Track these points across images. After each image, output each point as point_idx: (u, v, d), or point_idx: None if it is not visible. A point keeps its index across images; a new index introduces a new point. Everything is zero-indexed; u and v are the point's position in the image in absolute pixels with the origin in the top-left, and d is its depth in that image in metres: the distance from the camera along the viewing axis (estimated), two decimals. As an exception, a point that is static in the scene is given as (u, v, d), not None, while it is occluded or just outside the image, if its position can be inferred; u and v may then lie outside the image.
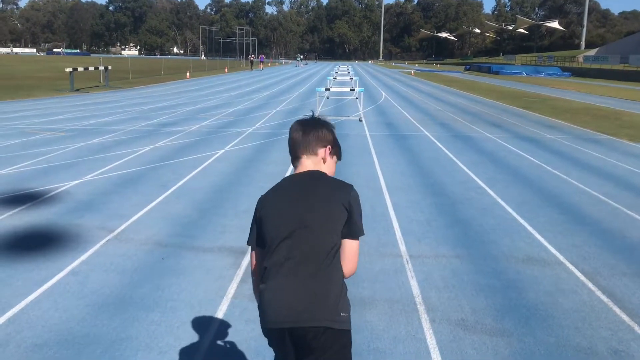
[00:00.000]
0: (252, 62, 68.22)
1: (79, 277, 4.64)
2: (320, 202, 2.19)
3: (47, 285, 4.47)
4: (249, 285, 4.45)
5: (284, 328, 2.06)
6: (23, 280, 4.56)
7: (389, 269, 4.93)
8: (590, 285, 4.65)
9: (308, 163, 2.33)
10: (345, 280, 2.20)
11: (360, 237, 2.24)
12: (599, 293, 4.50)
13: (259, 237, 2.24)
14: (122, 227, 5.96)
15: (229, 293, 4.39)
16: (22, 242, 5.50)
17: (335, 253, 2.14)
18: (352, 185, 2.29)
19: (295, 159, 2.36)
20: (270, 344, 2.20)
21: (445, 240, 5.70)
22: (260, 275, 2.19)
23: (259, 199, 2.31)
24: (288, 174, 8.58)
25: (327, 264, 2.11)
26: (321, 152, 2.34)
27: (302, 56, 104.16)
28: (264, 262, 2.16)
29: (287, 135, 2.40)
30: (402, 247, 5.47)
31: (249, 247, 2.31)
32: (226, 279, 4.65)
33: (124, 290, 4.41)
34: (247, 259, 5.05)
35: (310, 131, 2.33)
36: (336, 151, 2.43)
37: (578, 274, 4.88)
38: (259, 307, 2.14)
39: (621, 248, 5.59)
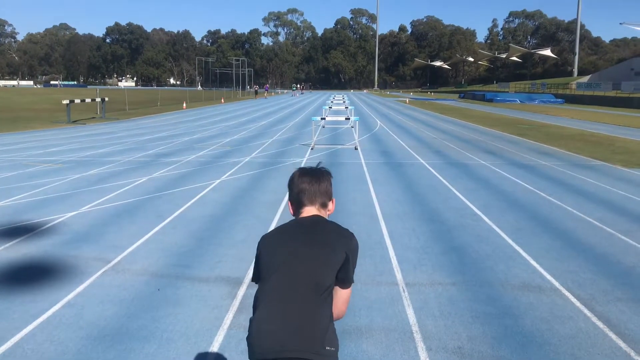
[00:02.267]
0: (256, 91, 73.38)
1: (75, 309, 4.63)
2: (320, 242, 2.26)
3: (42, 318, 4.45)
4: (245, 316, 4.45)
5: (268, 359, 2.06)
6: (19, 313, 4.54)
7: (385, 297, 4.93)
8: (586, 311, 4.66)
9: (312, 210, 2.41)
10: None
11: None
12: (594, 319, 4.51)
13: (257, 273, 2.30)
14: (119, 258, 5.96)
15: (225, 324, 4.38)
16: (19, 274, 5.49)
17: (327, 292, 2.19)
18: (352, 233, 2.38)
19: (299, 206, 2.43)
20: None
21: (441, 268, 5.72)
22: (254, 302, 2.23)
23: (262, 237, 2.39)
24: (283, 203, 8.62)
25: (317, 300, 2.14)
26: (329, 204, 2.47)
27: (297, 86, 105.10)
28: (257, 293, 2.21)
29: (288, 182, 2.49)
30: (399, 275, 5.47)
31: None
32: (222, 309, 4.65)
33: (120, 321, 4.40)
34: (243, 289, 5.06)
35: (316, 183, 2.43)
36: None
37: (574, 300, 4.90)
38: (247, 338, 2.14)
39: (616, 274, 5.60)
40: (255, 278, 2.33)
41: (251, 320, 2.16)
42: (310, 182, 2.42)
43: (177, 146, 16.40)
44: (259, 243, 2.35)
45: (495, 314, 4.58)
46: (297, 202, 2.43)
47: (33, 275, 5.43)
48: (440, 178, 11.13)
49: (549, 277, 5.46)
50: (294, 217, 2.45)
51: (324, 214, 2.44)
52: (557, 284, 5.28)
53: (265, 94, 74.73)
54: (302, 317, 2.10)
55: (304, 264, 2.18)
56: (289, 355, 2.04)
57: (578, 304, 4.82)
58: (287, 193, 2.50)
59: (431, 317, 4.52)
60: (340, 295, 2.29)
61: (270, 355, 2.05)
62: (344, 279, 2.26)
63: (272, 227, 7.25)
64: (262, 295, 2.17)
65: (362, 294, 4.98)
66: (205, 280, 5.33)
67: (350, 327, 4.28)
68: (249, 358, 2.15)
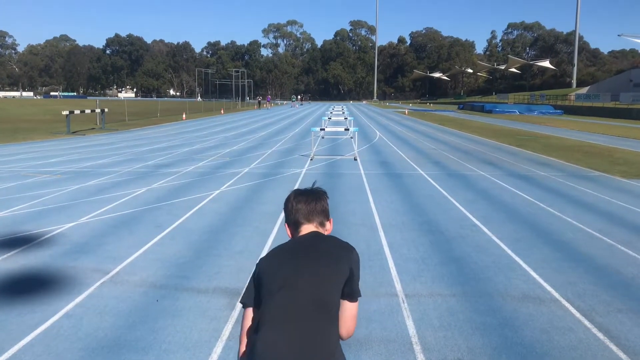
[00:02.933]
0: (259, 102, 77.57)
1: (73, 320, 4.61)
2: (323, 258, 2.20)
3: (40, 329, 4.43)
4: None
5: None
6: (17, 324, 4.53)
7: (385, 308, 4.92)
8: (586, 322, 4.65)
9: (310, 227, 2.37)
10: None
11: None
12: (595, 330, 4.49)
13: (257, 295, 2.20)
14: (117, 269, 5.94)
15: (224, 335, 4.37)
16: (17, 285, 5.47)
17: (334, 309, 2.14)
18: (353, 247, 2.34)
19: (297, 226, 2.38)
20: None
21: (440, 278, 5.70)
22: (253, 331, 2.14)
23: (260, 259, 2.31)
24: (282, 214, 8.61)
25: (325, 319, 2.09)
26: (327, 224, 2.43)
27: (297, 97, 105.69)
28: (258, 314, 2.13)
29: (284, 205, 2.46)
30: (398, 286, 5.46)
31: (242, 307, 2.28)
32: (221, 320, 4.63)
33: (118, 332, 4.38)
34: (242, 300, 5.05)
35: (312, 202, 2.40)
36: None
37: (574, 311, 4.88)
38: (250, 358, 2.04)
39: (616, 284, 5.59)
40: (251, 301, 2.23)
41: (254, 340, 2.05)
42: (307, 201, 2.39)
43: (177, 157, 16.41)
44: (258, 266, 2.26)
45: (495, 325, 4.56)
46: (294, 223, 2.39)
47: (31, 286, 5.42)
48: (440, 189, 11.13)
49: (548, 288, 5.45)
50: (294, 235, 2.40)
51: (322, 231, 2.40)
52: (557, 294, 5.26)
53: (267, 105, 78.42)
54: (311, 337, 2.03)
55: (308, 281, 2.11)
56: None
57: (578, 315, 4.80)
58: (284, 215, 2.46)
59: (431, 328, 4.51)
60: (348, 310, 2.23)
61: None
62: (350, 293, 2.22)
63: (272, 238, 7.24)
64: (266, 315, 2.07)
65: (361, 305, 4.92)
66: (204, 291, 5.31)
67: (349, 339, 4.26)
68: None
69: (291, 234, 2.42)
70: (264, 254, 6.45)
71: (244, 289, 2.28)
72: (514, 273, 5.90)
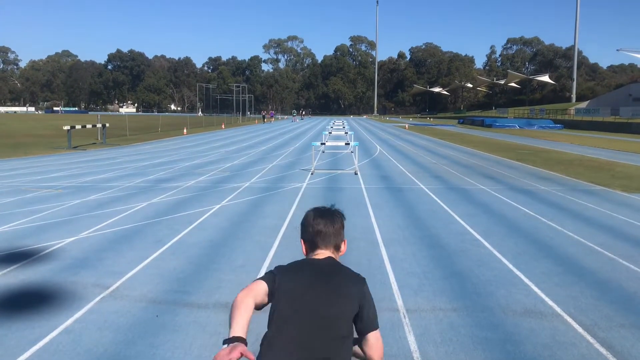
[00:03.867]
0: (264, 116, 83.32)
1: (73, 336, 4.59)
2: (335, 294, 2.26)
3: (40, 344, 4.41)
4: (245, 342, 4.41)
5: None
6: (16, 340, 4.50)
7: (386, 323, 4.89)
8: (589, 337, 4.62)
9: (326, 252, 2.46)
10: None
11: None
12: (597, 345, 4.46)
13: (271, 300, 2.29)
14: (117, 283, 5.92)
15: (224, 350, 4.33)
16: (16, 300, 5.45)
17: (345, 341, 2.23)
18: (364, 279, 2.42)
19: (314, 248, 2.48)
20: None
21: (442, 293, 5.68)
22: (262, 341, 2.24)
23: (278, 268, 2.39)
24: (283, 228, 8.61)
25: (336, 348, 2.18)
26: (342, 245, 2.53)
27: (297, 111, 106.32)
28: (268, 335, 2.22)
29: (302, 222, 2.56)
30: (399, 301, 5.43)
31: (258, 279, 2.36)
32: (221, 336, 4.60)
33: (117, 348, 4.36)
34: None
35: (330, 225, 2.48)
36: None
37: (576, 326, 4.85)
38: None
39: (618, 299, 5.56)
40: (265, 279, 2.32)
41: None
42: (326, 224, 2.46)
43: (177, 172, 16.42)
44: (276, 273, 2.35)
45: (496, 340, 4.53)
46: (311, 244, 2.48)
47: (31, 302, 5.39)
48: (441, 203, 11.12)
49: (550, 302, 5.42)
50: (305, 257, 2.51)
51: (336, 255, 2.48)
52: (558, 309, 5.24)
53: (272, 119, 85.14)
54: None
55: (322, 313, 2.20)
56: None
57: (580, 330, 4.77)
58: (300, 230, 2.54)
59: (432, 343, 4.48)
60: (375, 340, 2.34)
61: None
62: (370, 325, 2.32)
63: (272, 252, 7.23)
64: (278, 341, 2.18)
65: (362, 320, 4.93)
66: (204, 306, 5.29)
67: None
68: None
69: (306, 252, 2.52)
70: (264, 268, 6.44)
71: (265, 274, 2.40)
72: (515, 287, 5.87)
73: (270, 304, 2.29)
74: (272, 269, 2.37)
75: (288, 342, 2.14)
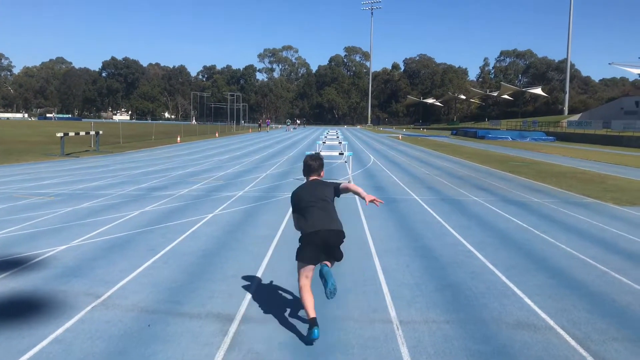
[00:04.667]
0: (260, 125, 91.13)
1: (63, 345, 4.54)
2: (321, 189, 5.07)
3: (29, 354, 4.36)
4: (237, 353, 4.41)
5: (317, 230, 4.77)
6: (5, 350, 4.45)
7: (379, 335, 4.88)
8: (582, 350, 4.62)
9: (314, 176, 5.26)
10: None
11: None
12: (590, 359, 4.46)
13: (296, 206, 5.03)
14: (109, 292, 5.88)
15: (216, 361, 4.30)
16: (6, 309, 5.39)
17: (332, 203, 5.04)
18: (333, 182, 5.25)
19: (308, 174, 5.29)
20: (305, 243, 4.87)
21: (435, 305, 5.67)
22: (298, 219, 5.00)
23: (294, 192, 5.14)
24: (277, 238, 8.61)
25: (330, 208, 4.98)
26: (321, 172, 5.33)
27: (291, 121, 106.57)
28: (301, 217, 4.95)
29: (304, 161, 5.39)
30: (392, 313, 5.42)
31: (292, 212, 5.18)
32: (213, 346, 4.57)
33: (109, 358, 4.32)
34: (235, 325, 5.00)
35: (316, 162, 5.30)
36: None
37: (569, 339, 4.85)
38: (302, 227, 4.91)
39: (611, 312, 5.57)
40: (295, 209, 5.05)
41: (302, 220, 4.92)
42: (313, 161, 5.28)
43: (170, 180, 16.37)
44: (293, 194, 5.12)
45: (489, 353, 4.52)
46: (307, 173, 5.31)
47: (21, 310, 5.34)
48: (434, 214, 11.14)
49: (543, 315, 5.42)
50: (305, 180, 5.31)
51: (319, 177, 5.29)
52: (551, 322, 5.24)
53: (268, 128, 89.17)
54: (329, 215, 4.92)
55: (318, 194, 4.99)
56: (332, 228, 4.85)
57: (573, 343, 4.77)
58: (302, 168, 5.36)
59: (425, 355, 4.46)
60: (343, 186, 5.14)
61: (318, 228, 4.79)
62: (337, 191, 5.13)
63: (265, 262, 7.22)
64: (305, 214, 4.91)
65: (355, 331, 4.92)
66: (196, 316, 5.26)
67: None
68: (304, 233, 4.87)
69: (305, 176, 5.33)
70: (257, 277, 6.43)
71: (292, 204, 5.13)
72: (508, 300, 5.88)
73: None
74: (291, 195, 5.18)
75: (309, 204, 4.93)
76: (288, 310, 5.48)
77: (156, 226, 9.45)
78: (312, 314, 4.63)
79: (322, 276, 4.80)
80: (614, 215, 11.47)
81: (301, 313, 5.23)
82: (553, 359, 4.43)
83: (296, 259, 4.90)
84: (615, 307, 5.73)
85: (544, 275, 6.87)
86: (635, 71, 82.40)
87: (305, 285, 4.78)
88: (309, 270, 4.84)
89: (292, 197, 5.07)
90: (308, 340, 4.62)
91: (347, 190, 5.06)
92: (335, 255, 4.93)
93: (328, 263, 4.92)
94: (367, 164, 23.80)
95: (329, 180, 5.22)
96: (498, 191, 15.04)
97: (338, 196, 5.04)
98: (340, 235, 4.88)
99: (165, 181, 16.02)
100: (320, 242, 4.77)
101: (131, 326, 4.97)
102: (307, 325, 4.76)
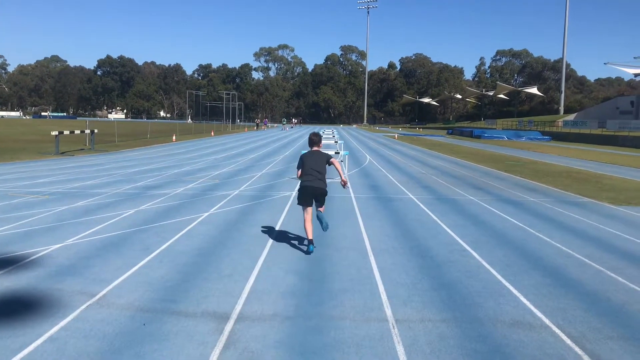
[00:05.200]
0: (257, 124, 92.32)
1: (58, 344, 4.52)
2: (319, 158, 7.75)
3: (23, 353, 4.34)
4: (232, 352, 4.40)
5: (306, 186, 7.56)
6: (-1, 348, 4.43)
7: (375, 334, 4.87)
8: (577, 349, 4.62)
9: (316, 148, 7.94)
10: None
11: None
12: (586, 357, 4.47)
13: (300, 164, 7.75)
14: (104, 291, 5.86)
15: (212, 360, 4.29)
16: (0, 308, 5.36)
17: (325, 171, 7.73)
18: (329, 154, 7.92)
19: (311, 145, 7.97)
20: (301, 196, 7.62)
21: (431, 304, 5.67)
22: (300, 174, 7.74)
23: (302, 155, 7.83)
24: (272, 237, 8.60)
25: (323, 173, 7.69)
26: (320, 145, 8.03)
27: (287, 120, 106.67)
28: (302, 172, 7.69)
29: (308, 137, 8.10)
30: (388, 311, 5.42)
31: (297, 168, 7.97)
32: (208, 345, 4.56)
33: (103, 357, 4.30)
34: (230, 324, 4.99)
35: (317, 137, 8.04)
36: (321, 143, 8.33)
37: (564, 337, 4.86)
38: (300, 179, 7.73)
39: (606, 311, 5.58)
40: (300, 166, 7.73)
41: (302, 180, 7.65)
42: (315, 136, 8.02)
43: (166, 179, 16.33)
44: (301, 157, 7.80)
45: (485, 352, 4.52)
46: (310, 144, 7.97)
47: (15, 309, 5.32)
48: (430, 213, 11.14)
49: (539, 314, 5.43)
50: (310, 149, 7.97)
51: (319, 148, 7.98)
52: (547, 321, 5.24)
53: (264, 127, 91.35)
54: (321, 179, 7.62)
55: (316, 160, 7.68)
56: (315, 185, 7.55)
57: (569, 341, 4.78)
58: (308, 142, 8.02)
59: (421, 354, 4.46)
60: (334, 164, 7.65)
61: (311, 184, 7.54)
62: (328, 161, 7.74)
63: (261, 261, 7.21)
64: (304, 172, 7.65)
65: (351, 330, 4.91)
66: (191, 315, 5.24)
67: (339, 365, 4.21)
68: (300, 187, 7.67)
69: (310, 148, 7.94)
70: (253, 277, 6.42)
71: (298, 162, 7.95)
72: (504, 299, 5.88)
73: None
74: (301, 154, 7.89)
75: (308, 170, 7.60)
76: (284, 308, 5.46)
77: (151, 225, 9.43)
78: (310, 237, 7.59)
79: (319, 218, 7.64)
80: (609, 215, 11.50)
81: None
82: (548, 358, 4.44)
83: (297, 204, 7.77)
84: (610, 306, 5.74)
85: (539, 274, 6.88)
86: (631, 71, 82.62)
87: (307, 219, 7.61)
88: (308, 211, 7.61)
89: (300, 158, 7.81)
90: (307, 252, 7.59)
91: (333, 164, 7.62)
92: (320, 202, 7.70)
93: (321, 209, 7.74)
94: (363, 163, 23.81)
95: (325, 153, 7.89)
96: (494, 190, 15.06)
97: (329, 165, 7.74)
98: (322, 192, 7.60)
99: (160, 180, 15.98)
100: (308, 193, 7.56)
101: (126, 325, 4.95)
102: (302, 326, 4.83)
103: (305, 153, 7.85)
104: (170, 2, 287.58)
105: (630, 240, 9.01)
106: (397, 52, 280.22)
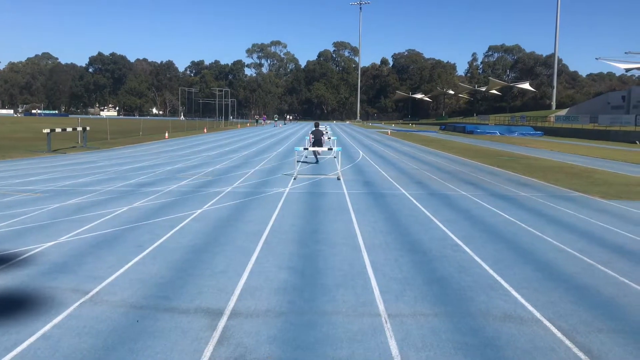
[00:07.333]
0: (257, 120, 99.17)
1: (51, 342, 4.53)
2: (318, 133, 20.90)
3: (16, 351, 4.34)
4: (226, 348, 4.42)
5: (315, 145, 20.49)
6: (-8, 346, 4.42)
7: (368, 328, 4.90)
8: (568, 342, 4.67)
9: (316, 127, 21.26)
10: None
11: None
12: (576, 350, 4.51)
13: (311, 135, 21.00)
14: (97, 289, 5.86)
15: (205, 356, 4.31)
16: (-7, 305, 5.36)
17: (322, 139, 20.92)
18: (323, 131, 22.23)
19: (315, 127, 21.34)
20: (312, 146, 20.13)
21: (423, 298, 5.71)
22: (310, 141, 21.27)
23: (311, 131, 21.13)
24: (266, 233, 8.62)
25: (320, 140, 20.77)
26: (320, 126, 21.91)
27: (279, 116, 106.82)
28: (312, 138, 21.00)
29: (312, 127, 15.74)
30: (381, 306, 5.45)
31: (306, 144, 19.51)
32: (202, 342, 4.58)
33: (97, 354, 4.31)
34: (223, 321, 5.01)
35: (318, 123, 22.36)
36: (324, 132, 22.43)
37: (555, 331, 4.91)
38: (310, 143, 21.07)
39: (597, 304, 5.64)
40: (310, 136, 21.15)
41: (311, 144, 20.67)
42: (316, 126, 21.52)
43: (159, 176, 16.31)
44: (311, 132, 21.01)
45: (477, 345, 4.57)
46: (315, 126, 21.43)
47: (8, 307, 5.31)
48: (422, 208, 11.19)
49: (530, 307, 5.48)
50: (314, 128, 20.99)
51: (319, 128, 21.38)
52: (538, 314, 5.29)
53: (263, 123, 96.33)
54: (319, 144, 20.40)
55: (316, 134, 20.69)
56: (318, 145, 20.04)
57: (559, 335, 4.83)
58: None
59: (414, 348, 4.50)
60: (324, 136, 21.36)
61: (316, 145, 20.47)
62: (322, 134, 20.93)
63: (254, 257, 7.23)
64: (313, 141, 20.70)
65: (344, 325, 4.94)
66: (185, 311, 5.26)
67: (332, 359, 4.24)
68: (312, 146, 20.13)
69: (315, 127, 21.35)
70: (246, 274, 6.44)
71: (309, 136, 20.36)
72: (495, 293, 5.93)
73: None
74: (310, 131, 21.21)
75: (314, 140, 20.75)
76: (277, 304, 5.49)
77: (144, 222, 9.42)
78: (316, 158, 21.51)
79: (315, 156, 21.64)
80: (600, 209, 11.58)
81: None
82: (539, 351, 4.48)
83: (308, 149, 18.24)
84: (601, 299, 5.80)
85: (530, 268, 6.94)
86: (622, 66, 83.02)
87: (314, 153, 20.69)
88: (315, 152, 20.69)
89: (310, 132, 20.36)
90: (316, 162, 21.01)
91: (324, 135, 17.58)
92: (319, 146, 18.96)
93: (318, 150, 19.24)
94: (356, 159, 23.84)
95: (321, 130, 18.06)
96: (486, 185, 15.13)
97: (323, 136, 16.34)
98: (320, 146, 18.08)
99: (153, 177, 15.95)
100: (314, 146, 18.57)
101: (120, 322, 4.96)
102: (295, 322, 4.86)
103: (312, 130, 19.88)
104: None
105: (620, 234, 9.09)
106: (389, 48, 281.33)
